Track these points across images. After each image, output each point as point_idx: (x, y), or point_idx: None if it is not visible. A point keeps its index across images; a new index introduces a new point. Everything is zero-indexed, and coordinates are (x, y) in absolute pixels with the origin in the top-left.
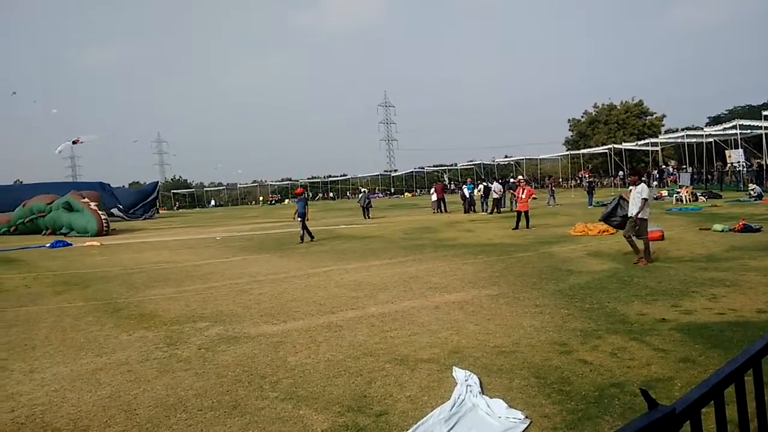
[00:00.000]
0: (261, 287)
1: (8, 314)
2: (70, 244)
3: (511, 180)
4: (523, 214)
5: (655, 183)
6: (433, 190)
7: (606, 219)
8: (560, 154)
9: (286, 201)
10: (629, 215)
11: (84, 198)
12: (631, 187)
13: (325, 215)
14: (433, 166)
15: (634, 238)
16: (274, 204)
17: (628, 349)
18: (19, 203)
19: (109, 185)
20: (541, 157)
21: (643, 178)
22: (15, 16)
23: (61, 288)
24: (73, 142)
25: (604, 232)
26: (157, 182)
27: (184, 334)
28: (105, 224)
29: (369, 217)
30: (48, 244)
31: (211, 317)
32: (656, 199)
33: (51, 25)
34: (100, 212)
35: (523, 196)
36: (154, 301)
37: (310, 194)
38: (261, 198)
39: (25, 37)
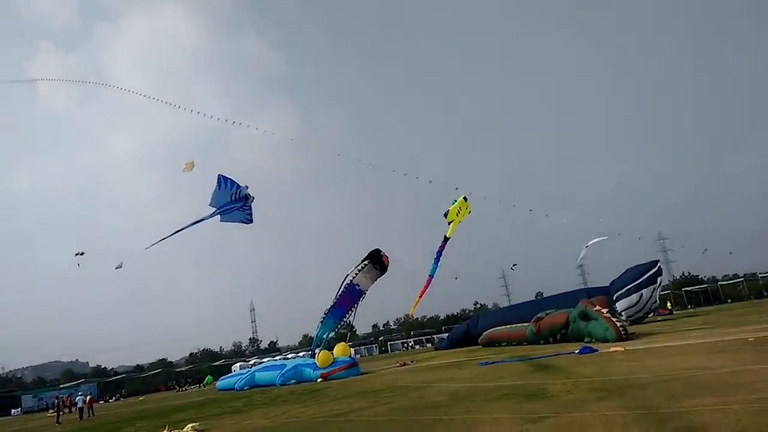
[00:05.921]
0: None
1: (560, 419)
2: (596, 350)
3: None
4: None
5: None
6: None
7: None
8: None
9: None
10: None
11: (596, 306)
12: None
13: None
14: None
15: None
16: None
17: None
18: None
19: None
20: None
21: None
22: None
23: (600, 394)
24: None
25: None
26: (657, 260)
27: None
28: (622, 330)
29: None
30: (577, 351)
31: None
32: None
33: None
34: (614, 319)
35: None
36: (699, 413)
37: None
38: None
39: None
